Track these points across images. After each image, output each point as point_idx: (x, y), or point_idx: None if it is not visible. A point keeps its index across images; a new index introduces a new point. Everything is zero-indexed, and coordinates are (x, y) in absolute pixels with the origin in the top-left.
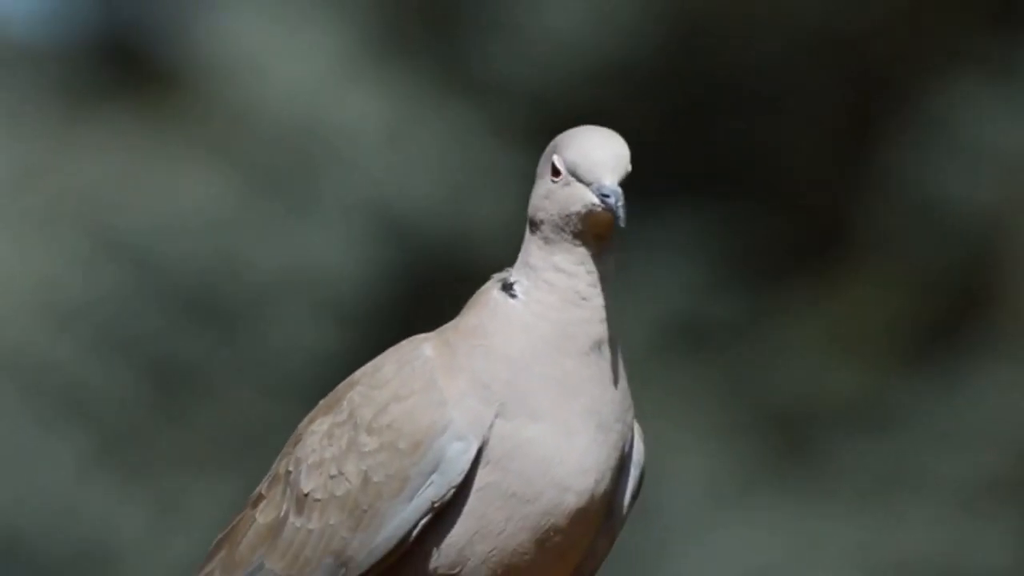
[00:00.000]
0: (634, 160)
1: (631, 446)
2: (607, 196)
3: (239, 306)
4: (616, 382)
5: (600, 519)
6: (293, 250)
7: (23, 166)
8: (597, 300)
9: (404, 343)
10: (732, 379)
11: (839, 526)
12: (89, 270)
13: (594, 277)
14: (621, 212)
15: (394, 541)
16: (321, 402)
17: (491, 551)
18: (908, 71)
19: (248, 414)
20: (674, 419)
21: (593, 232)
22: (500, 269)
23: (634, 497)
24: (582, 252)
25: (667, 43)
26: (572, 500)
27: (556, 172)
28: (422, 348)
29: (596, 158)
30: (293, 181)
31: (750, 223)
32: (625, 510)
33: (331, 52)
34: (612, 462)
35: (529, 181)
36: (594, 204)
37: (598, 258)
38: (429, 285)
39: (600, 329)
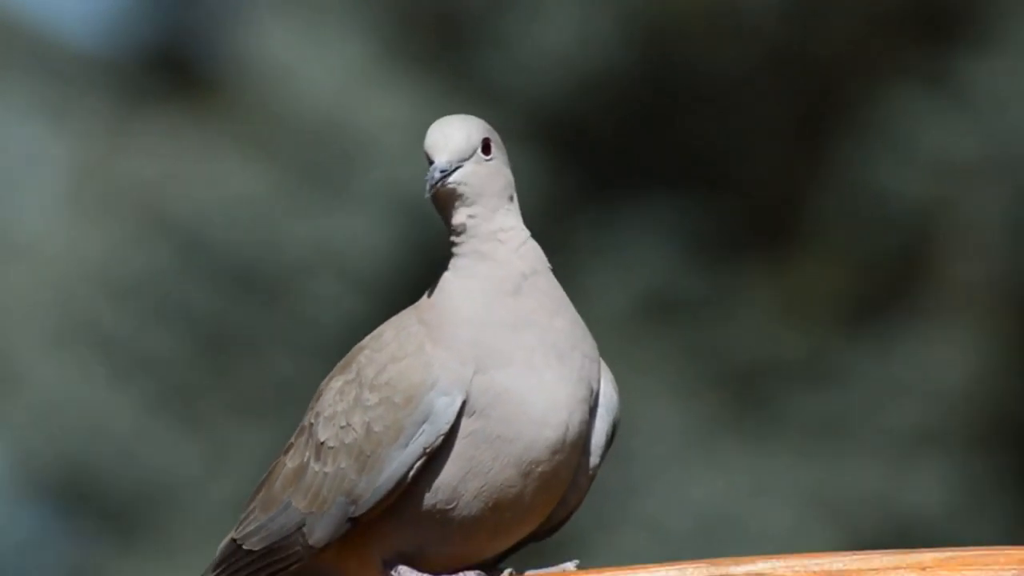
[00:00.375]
0: (615, 157)
1: (599, 385)
2: (431, 172)
3: (278, 279)
4: (559, 310)
5: (577, 450)
6: (324, 231)
7: (90, 159)
8: (502, 247)
9: (402, 313)
10: (699, 343)
11: (790, 469)
12: (148, 248)
13: (487, 230)
14: (428, 184)
15: (393, 481)
16: (338, 363)
17: (482, 487)
18: (851, 81)
19: (285, 373)
20: (650, 377)
21: (442, 203)
22: None
23: (609, 441)
24: (464, 214)
25: (641, 57)
26: (549, 434)
27: (426, 159)
28: (412, 318)
29: (433, 140)
30: (324, 171)
31: (715, 211)
32: (602, 450)
33: (355, 60)
34: (580, 393)
35: (522, 173)
36: (427, 180)
37: (483, 215)
38: (439, 255)
39: (518, 265)
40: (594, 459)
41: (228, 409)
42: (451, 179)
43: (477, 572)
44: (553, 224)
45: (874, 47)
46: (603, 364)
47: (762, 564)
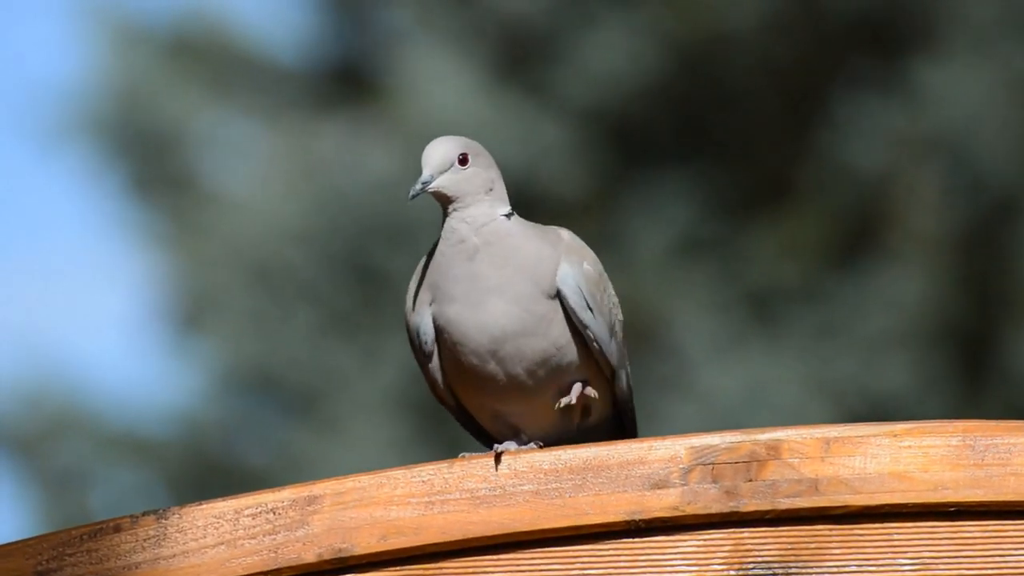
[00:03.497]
0: (655, 139)
1: (563, 289)
2: (417, 183)
3: (410, 231)
4: (505, 266)
5: (535, 335)
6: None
7: (285, 146)
8: (467, 227)
9: None
10: (721, 272)
11: (795, 363)
12: (325, 211)
13: (460, 216)
14: (411, 191)
15: (426, 370)
16: None
17: (464, 366)
18: (826, 80)
19: None
20: (684, 299)
21: (438, 200)
22: (571, 204)
23: (589, 307)
24: (449, 207)
25: (672, 66)
26: (486, 335)
27: None
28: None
29: (423, 157)
30: None
31: (729, 176)
32: (584, 311)
33: (471, 76)
34: (515, 310)
35: (584, 152)
36: (416, 186)
37: (462, 207)
38: (528, 210)
39: (474, 241)
40: (583, 317)
41: (375, 325)
42: (429, 188)
43: (509, 442)
44: (609, 188)
45: (842, 54)
46: (571, 267)
47: (779, 432)
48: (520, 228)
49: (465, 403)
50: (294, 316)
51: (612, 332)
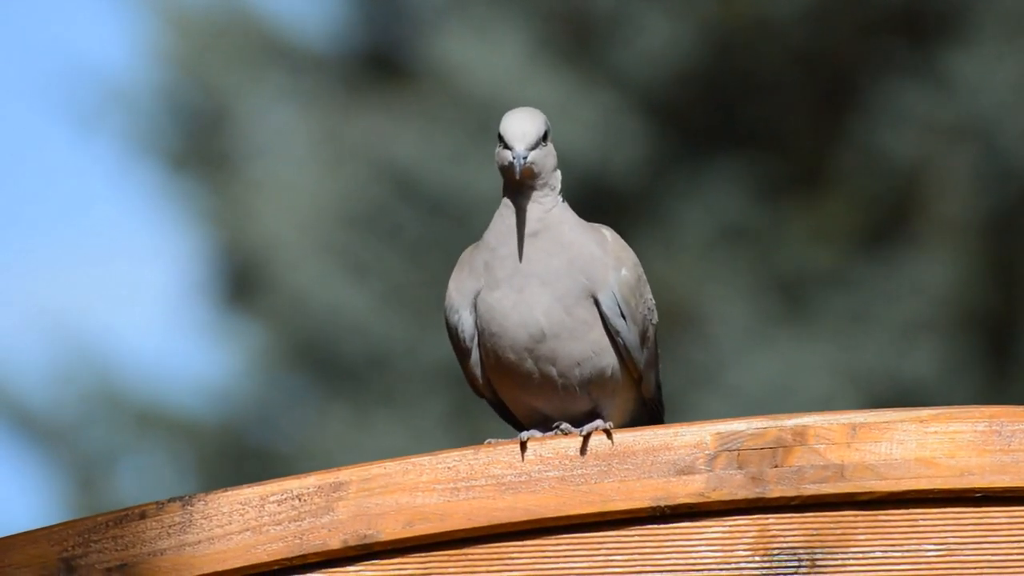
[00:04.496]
0: (698, 127)
1: (604, 294)
2: (515, 158)
3: (460, 207)
4: (559, 253)
5: (572, 337)
6: (493, 177)
7: (327, 128)
8: (536, 206)
9: None
10: (758, 256)
11: (825, 350)
12: (368, 188)
13: (523, 202)
14: (517, 168)
15: (469, 364)
16: None
17: (502, 363)
18: (860, 69)
19: None
20: (725, 283)
21: (509, 178)
22: (623, 191)
23: (622, 313)
24: (514, 189)
25: (715, 55)
26: (525, 332)
27: (499, 139)
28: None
29: (512, 132)
30: (492, 135)
31: (768, 165)
32: (620, 321)
33: (516, 54)
34: (556, 307)
35: (633, 138)
36: (509, 161)
37: (523, 192)
38: (572, 198)
39: (531, 227)
40: (615, 324)
41: (431, 300)
42: (529, 160)
43: (534, 430)
44: (655, 175)
45: (876, 43)
46: (618, 273)
47: (805, 418)
48: (574, 221)
49: (502, 397)
50: (337, 294)
51: (644, 339)
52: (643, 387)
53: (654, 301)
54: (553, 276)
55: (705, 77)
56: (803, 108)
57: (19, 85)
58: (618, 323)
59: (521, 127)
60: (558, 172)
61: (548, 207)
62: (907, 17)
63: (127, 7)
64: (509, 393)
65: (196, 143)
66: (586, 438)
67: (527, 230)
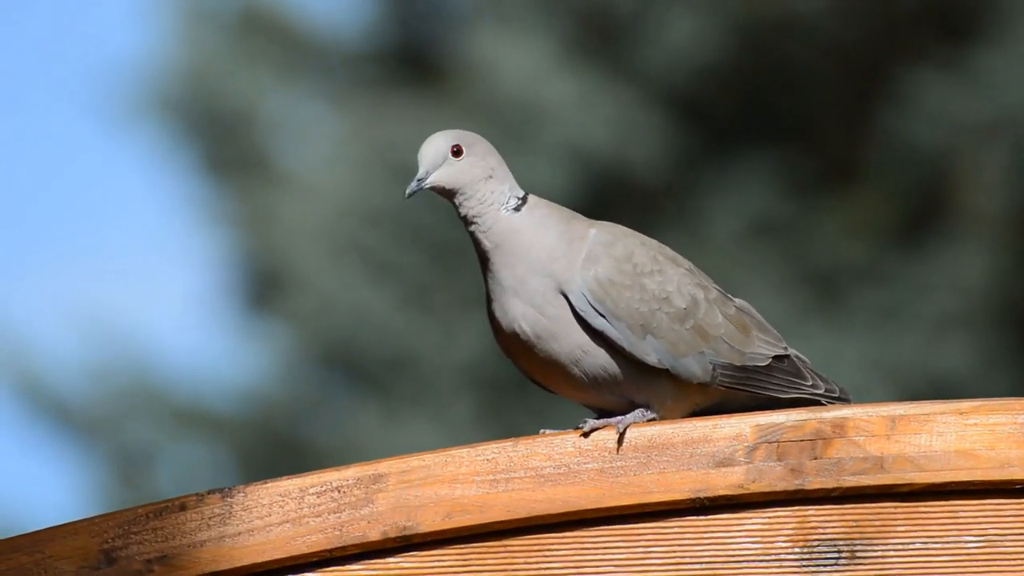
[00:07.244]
0: (726, 122)
1: (575, 294)
2: (413, 180)
3: None
4: (518, 263)
5: (553, 337)
6: (521, 173)
7: (355, 125)
8: (476, 229)
9: None
10: (790, 250)
11: (859, 342)
12: (394, 187)
13: (470, 212)
14: (408, 188)
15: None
16: None
17: (521, 360)
18: (891, 65)
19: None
20: (756, 276)
21: (440, 195)
22: (651, 187)
23: (600, 313)
24: (454, 200)
25: (742, 50)
26: (510, 335)
27: None
28: None
29: (419, 157)
30: (521, 132)
31: (799, 159)
32: (609, 325)
33: (543, 51)
34: (536, 307)
35: (662, 134)
36: (412, 184)
37: (466, 197)
38: (602, 194)
39: (483, 247)
40: (595, 324)
41: (454, 301)
42: (425, 184)
43: (552, 430)
44: (685, 170)
45: (907, 39)
46: (588, 272)
47: (844, 410)
48: (529, 222)
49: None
50: (364, 295)
51: (646, 330)
52: (682, 376)
53: (672, 289)
54: (519, 284)
55: (732, 72)
56: (834, 102)
57: (55, 90)
58: (597, 323)
59: (423, 150)
60: (496, 180)
61: (489, 225)
62: (938, 11)
63: (158, 5)
64: (553, 388)
65: (225, 142)
66: (622, 434)
67: (486, 245)
